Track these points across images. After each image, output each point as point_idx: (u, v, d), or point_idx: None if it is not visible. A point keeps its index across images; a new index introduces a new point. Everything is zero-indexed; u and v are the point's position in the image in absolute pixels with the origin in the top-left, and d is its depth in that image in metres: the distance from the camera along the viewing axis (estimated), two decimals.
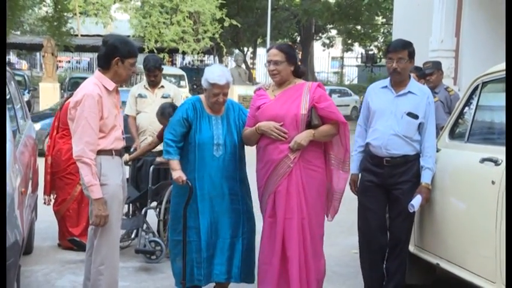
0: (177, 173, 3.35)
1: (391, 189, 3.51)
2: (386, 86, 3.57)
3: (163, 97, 4.97)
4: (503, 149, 3.08)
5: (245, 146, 3.56)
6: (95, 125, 3.02)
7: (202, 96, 3.52)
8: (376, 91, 3.62)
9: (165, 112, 4.36)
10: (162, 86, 5.04)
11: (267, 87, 3.49)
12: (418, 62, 6.04)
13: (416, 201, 3.38)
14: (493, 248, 2.98)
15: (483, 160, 3.18)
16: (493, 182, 3.03)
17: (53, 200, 4.80)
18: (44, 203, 4.80)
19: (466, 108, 3.67)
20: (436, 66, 5.47)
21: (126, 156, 4.47)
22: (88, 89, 3.06)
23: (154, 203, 4.65)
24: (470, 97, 3.61)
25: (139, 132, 5.02)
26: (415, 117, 3.45)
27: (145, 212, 4.60)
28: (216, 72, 3.39)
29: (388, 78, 3.59)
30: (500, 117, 3.50)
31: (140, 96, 5.02)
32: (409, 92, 3.49)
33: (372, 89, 3.69)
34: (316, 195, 3.36)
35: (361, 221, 3.67)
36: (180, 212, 3.39)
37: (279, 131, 3.28)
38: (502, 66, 3.26)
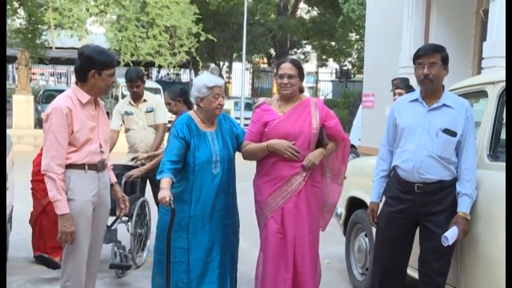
0: (163, 193, 3.13)
1: (422, 220, 3.05)
2: (416, 99, 3.10)
3: (147, 111, 4.97)
4: None
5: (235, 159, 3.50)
6: (62, 139, 2.93)
7: (191, 113, 3.45)
8: (405, 106, 3.16)
9: (172, 90, 4.60)
10: (145, 100, 5.01)
11: (270, 102, 3.41)
12: (389, 77, 6.27)
13: (452, 234, 2.89)
14: (455, 255, 3.11)
15: None
16: None
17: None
18: None
19: None
20: (405, 82, 5.67)
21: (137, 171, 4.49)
22: (58, 102, 2.99)
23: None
24: None
25: (130, 150, 5.02)
26: (453, 134, 2.97)
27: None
28: (209, 76, 3.44)
29: (418, 91, 3.15)
30: None
31: (126, 113, 5.00)
32: (444, 105, 3.02)
33: (399, 103, 3.23)
34: (318, 210, 3.38)
35: (379, 256, 3.25)
36: (165, 232, 3.25)
37: (293, 150, 3.24)
38: (462, 83, 3.46)
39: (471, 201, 2.96)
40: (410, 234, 3.15)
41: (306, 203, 3.27)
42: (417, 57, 3.05)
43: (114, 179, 3.34)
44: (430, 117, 3.02)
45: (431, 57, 3.00)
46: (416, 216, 3.06)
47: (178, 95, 4.53)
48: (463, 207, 2.95)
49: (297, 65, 3.35)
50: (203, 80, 3.37)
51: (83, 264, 3.09)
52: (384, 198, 3.27)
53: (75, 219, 2.98)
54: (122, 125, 5.07)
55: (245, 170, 4.00)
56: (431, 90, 3.05)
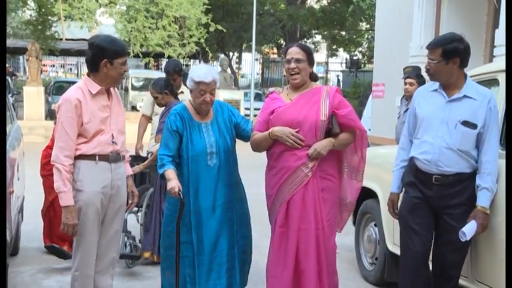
0: (172, 183, 3.08)
1: (440, 212, 2.99)
2: (436, 89, 3.01)
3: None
4: None
5: (236, 149, 3.39)
6: (70, 130, 2.93)
7: (187, 103, 3.35)
8: (425, 95, 3.07)
9: (157, 83, 4.54)
10: (182, 92, 5.04)
11: (280, 90, 3.28)
12: (399, 67, 6.21)
13: (470, 229, 2.83)
14: None
15: None
16: None
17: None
18: None
19: None
20: (416, 70, 5.61)
21: (136, 168, 4.48)
22: (68, 94, 3.00)
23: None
24: None
25: (154, 135, 5.05)
26: (473, 126, 2.88)
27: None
28: (201, 70, 3.26)
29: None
30: None
31: None
32: (465, 96, 2.91)
33: (419, 92, 3.14)
34: (331, 206, 3.15)
35: (405, 245, 3.11)
36: (171, 226, 3.22)
37: (295, 137, 3.06)
38: (473, 72, 3.40)
39: (491, 195, 2.86)
40: (432, 223, 3.04)
41: (313, 196, 3.07)
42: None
43: (129, 172, 3.32)
44: (449, 109, 2.93)
45: (430, 53, 2.96)
46: (435, 207, 2.99)
47: (164, 87, 4.51)
48: (483, 201, 2.86)
49: (305, 49, 3.16)
50: (193, 73, 3.25)
51: (92, 254, 3.06)
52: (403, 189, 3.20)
53: (84, 209, 2.98)
54: (153, 112, 5.18)
55: (253, 161, 3.97)
56: (442, 83, 2.97)
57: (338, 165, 3.23)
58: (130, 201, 3.32)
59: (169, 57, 17.87)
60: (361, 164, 3.22)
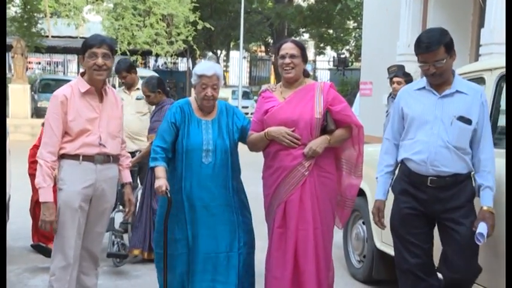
0: (160, 181, 3.02)
1: (438, 218, 2.83)
2: (424, 87, 2.87)
3: (137, 98, 5.06)
4: None
5: (239, 155, 3.32)
6: (55, 127, 2.91)
7: (191, 99, 3.31)
8: (412, 94, 2.91)
9: (149, 82, 4.54)
10: (138, 88, 5.10)
11: (273, 88, 3.21)
12: (387, 65, 6.25)
13: (483, 230, 2.69)
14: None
15: None
16: None
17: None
18: None
19: None
20: (402, 69, 5.66)
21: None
22: (58, 90, 3.00)
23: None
24: None
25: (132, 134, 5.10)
26: (468, 122, 2.74)
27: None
28: (204, 65, 3.26)
29: (423, 79, 2.90)
30: None
31: None
32: (457, 91, 2.79)
33: (405, 92, 2.99)
34: (328, 203, 3.09)
35: (401, 260, 2.93)
36: (163, 224, 3.15)
37: (291, 137, 3.02)
38: (459, 71, 3.43)
39: (493, 193, 2.74)
40: (430, 231, 2.90)
41: (311, 195, 3.01)
42: (419, 53, 2.77)
43: (126, 180, 3.27)
44: (442, 105, 2.78)
45: (434, 55, 2.72)
46: (432, 213, 2.84)
47: (156, 86, 4.52)
48: (487, 201, 2.73)
49: (299, 46, 3.12)
50: (197, 67, 3.26)
51: (70, 256, 2.97)
52: (390, 196, 3.05)
53: (62, 209, 2.93)
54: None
55: (243, 159, 3.95)
56: (444, 81, 2.81)
57: (335, 162, 3.17)
58: (127, 209, 3.29)
59: (156, 55, 17.83)
60: (360, 158, 3.15)
